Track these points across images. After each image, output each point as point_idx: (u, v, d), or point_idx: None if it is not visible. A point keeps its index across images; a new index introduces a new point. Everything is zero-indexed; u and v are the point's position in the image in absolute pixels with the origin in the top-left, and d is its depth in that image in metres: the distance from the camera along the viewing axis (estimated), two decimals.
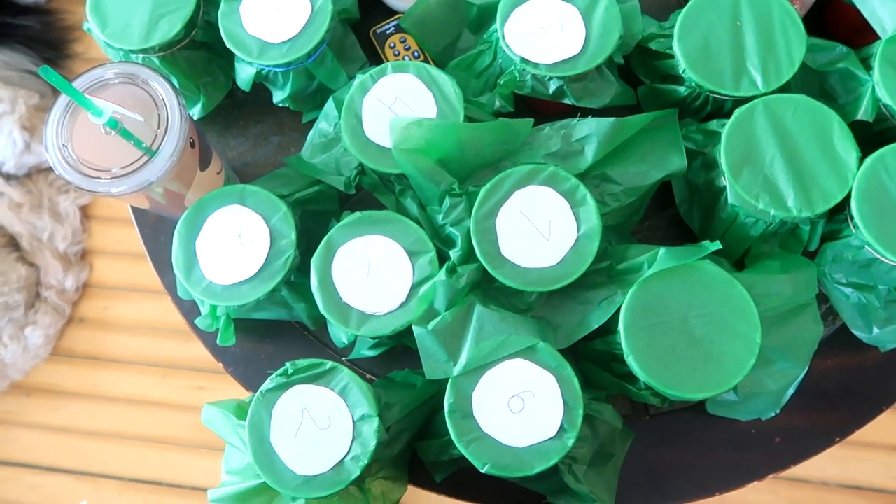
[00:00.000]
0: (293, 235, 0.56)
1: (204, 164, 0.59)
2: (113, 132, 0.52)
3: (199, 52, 0.65)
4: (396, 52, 0.69)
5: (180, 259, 0.56)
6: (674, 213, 0.64)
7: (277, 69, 0.62)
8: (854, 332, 0.59)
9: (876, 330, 0.58)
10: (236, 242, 0.56)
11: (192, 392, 1.22)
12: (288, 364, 0.54)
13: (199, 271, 0.56)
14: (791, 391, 0.57)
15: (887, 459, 1.06)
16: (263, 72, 0.63)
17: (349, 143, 0.58)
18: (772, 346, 0.53)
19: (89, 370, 1.27)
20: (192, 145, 0.56)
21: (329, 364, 0.53)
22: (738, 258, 0.59)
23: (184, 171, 0.57)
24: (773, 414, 0.58)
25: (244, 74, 0.64)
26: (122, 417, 1.24)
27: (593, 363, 0.58)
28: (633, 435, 0.59)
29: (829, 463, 1.06)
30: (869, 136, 0.57)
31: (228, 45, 0.61)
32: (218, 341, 0.61)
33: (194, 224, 0.57)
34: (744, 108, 0.55)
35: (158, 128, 0.53)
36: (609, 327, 0.54)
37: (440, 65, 0.68)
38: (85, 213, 1.32)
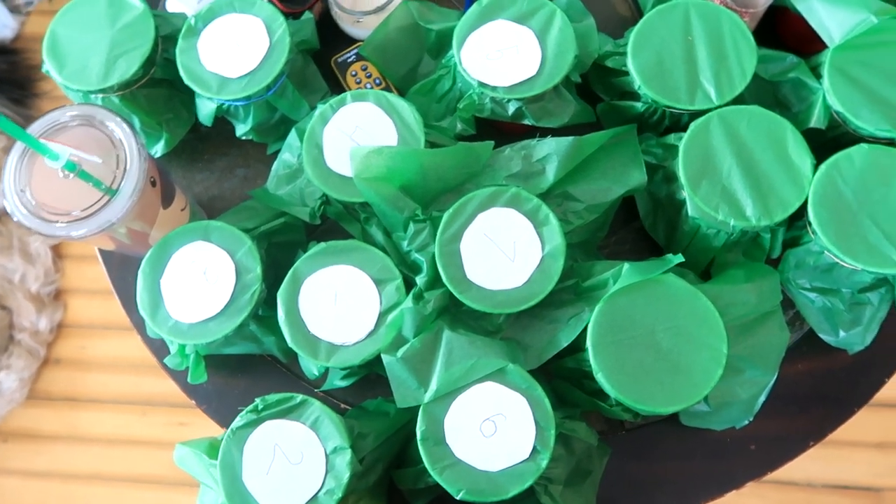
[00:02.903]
0: (258, 269, 0.56)
1: (167, 201, 0.59)
2: (71, 175, 0.52)
3: (159, 89, 0.65)
4: (358, 80, 0.70)
5: (145, 299, 0.56)
6: (640, 226, 0.64)
7: (238, 103, 0.62)
8: (821, 336, 0.60)
9: (842, 333, 0.58)
10: (201, 279, 0.56)
11: (172, 428, 1.21)
12: (258, 400, 0.53)
13: (164, 310, 0.56)
14: (762, 398, 0.58)
15: (871, 457, 1.07)
16: (224, 106, 0.63)
17: (311, 174, 0.58)
18: (740, 355, 0.54)
19: (68, 412, 1.25)
20: (154, 183, 0.56)
21: (299, 398, 0.53)
22: (704, 268, 0.60)
23: (146, 210, 0.56)
24: (746, 422, 0.59)
25: (205, 109, 0.64)
26: (103, 458, 1.22)
27: (565, 381, 0.58)
28: (609, 450, 0.59)
29: (814, 464, 1.07)
30: (823, 143, 0.58)
31: (187, 82, 0.61)
32: (189, 379, 0.60)
33: (158, 263, 0.57)
34: (699, 121, 0.56)
35: (117, 168, 0.53)
36: (578, 344, 0.54)
37: (402, 91, 0.68)
38: (57, 252, 1.31)
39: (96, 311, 1.26)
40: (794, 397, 0.61)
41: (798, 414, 0.61)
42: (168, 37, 0.64)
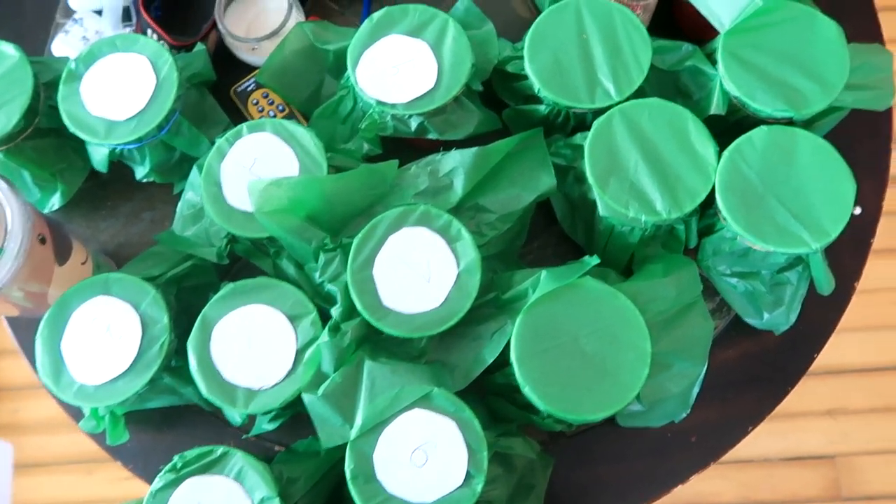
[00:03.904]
0: (166, 319, 0.53)
1: (62, 257, 0.56)
2: None
3: (47, 139, 0.61)
4: (260, 109, 0.67)
5: (46, 364, 0.53)
6: (560, 228, 0.63)
7: (130, 146, 0.59)
8: (746, 319, 0.60)
9: (766, 315, 0.58)
10: (105, 336, 0.53)
11: (120, 484, 1.16)
12: (176, 458, 0.51)
13: (68, 374, 0.52)
14: (696, 389, 0.57)
15: (823, 425, 1.09)
16: (117, 150, 0.60)
17: (212, 213, 0.55)
18: (666, 351, 0.53)
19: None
20: (43, 241, 0.53)
21: (220, 450, 0.50)
22: (625, 265, 0.59)
23: (39, 270, 0.53)
24: (684, 415, 0.58)
25: (98, 156, 0.61)
26: None
27: (498, 396, 0.56)
28: (552, 460, 0.58)
29: (768, 439, 1.08)
30: (727, 128, 0.58)
31: (72, 130, 0.58)
32: (107, 441, 0.57)
33: (57, 324, 0.53)
34: (601, 119, 0.55)
35: None
36: (505, 359, 0.53)
37: (307, 114, 0.66)
38: None
39: (29, 371, 1.20)
40: (729, 383, 0.61)
41: (735, 399, 0.61)
42: (51, 83, 0.61)
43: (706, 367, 0.57)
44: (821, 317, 0.62)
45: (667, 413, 0.58)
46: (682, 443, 0.60)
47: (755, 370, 0.61)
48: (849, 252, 0.62)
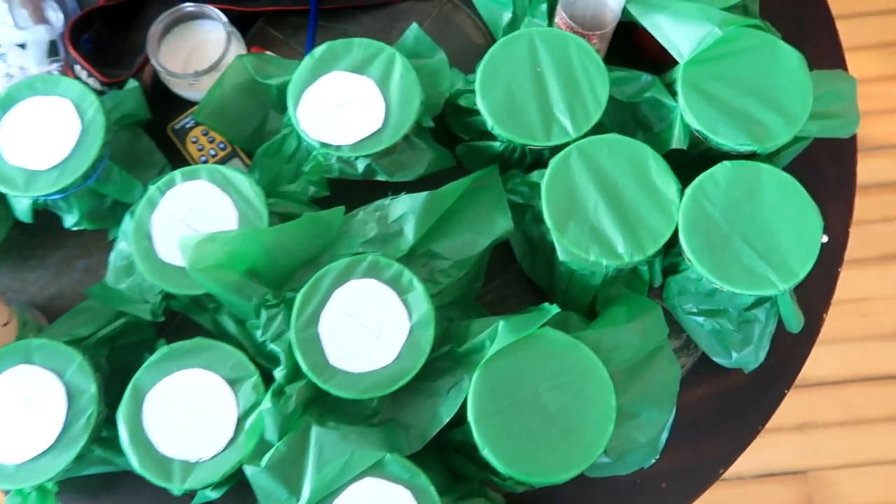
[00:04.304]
0: (93, 388, 0.49)
1: None
2: None
3: None
4: (200, 147, 0.63)
5: None
6: (520, 267, 0.61)
7: (53, 197, 0.55)
8: (715, 359, 0.57)
9: (735, 354, 0.56)
10: (26, 410, 0.48)
11: None
12: None
13: None
14: (665, 435, 0.54)
15: (794, 440, 1.08)
16: (41, 200, 0.55)
17: (144, 269, 0.51)
18: (632, 401, 0.51)
19: None
20: None
21: None
22: (587, 307, 0.57)
23: None
24: (653, 461, 0.55)
25: (20, 206, 0.56)
26: None
27: (457, 452, 0.53)
28: None
29: (741, 456, 1.06)
30: (691, 159, 0.56)
31: None
32: None
33: None
34: (558, 157, 0.52)
35: None
36: (463, 415, 0.50)
37: (250, 153, 0.63)
38: None
39: None
40: (699, 425, 0.59)
41: (706, 441, 0.59)
42: None
43: (674, 411, 0.54)
44: (790, 351, 0.60)
45: (635, 461, 0.55)
46: (653, 489, 0.58)
47: (725, 409, 0.59)
48: (816, 282, 0.60)
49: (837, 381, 1.09)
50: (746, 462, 1.06)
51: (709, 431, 0.59)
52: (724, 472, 0.58)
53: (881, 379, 1.09)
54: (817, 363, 1.07)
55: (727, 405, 0.59)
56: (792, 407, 1.08)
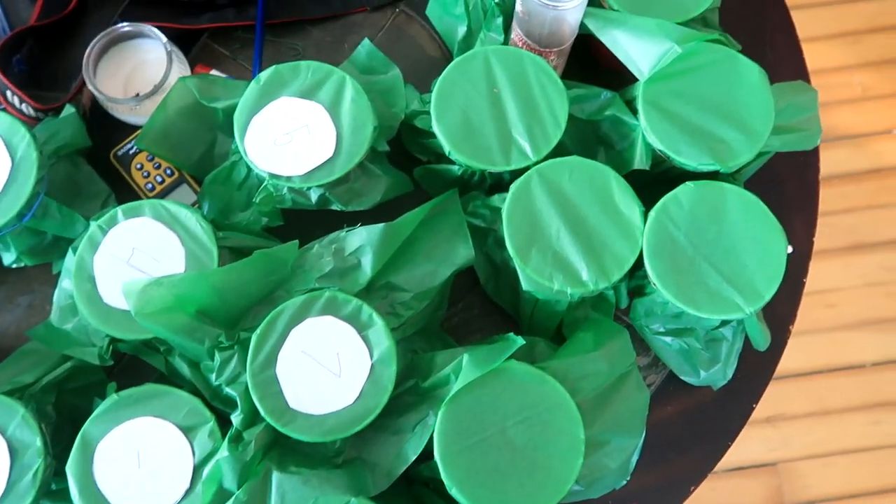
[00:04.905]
0: (38, 442, 0.47)
1: None
2: None
3: None
4: (146, 174, 0.60)
5: None
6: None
7: None
8: (683, 378, 0.57)
9: (703, 373, 0.56)
10: None
11: None
12: None
13: None
14: (635, 458, 0.54)
15: (763, 433, 1.09)
16: None
17: (87, 313, 0.49)
18: (602, 429, 0.50)
19: None
20: None
21: None
22: (555, 330, 0.56)
23: None
24: (624, 482, 0.55)
25: None
26: None
27: (426, 486, 0.52)
28: None
29: None
30: (652, 178, 0.55)
31: None
32: None
33: None
34: (518, 183, 0.51)
35: None
36: (430, 451, 0.49)
37: (199, 178, 0.60)
38: None
39: None
40: (669, 443, 0.58)
41: (676, 459, 0.58)
42: None
43: (643, 437, 0.53)
44: (757, 365, 0.59)
45: (606, 485, 0.54)
46: None
47: (694, 426, 0.59)
48: (782, 294, 0.60)
49: (805, 373, 1.11)
50: None
51: (679, 449, 0.58)
52: (695, 490, 0.58)
53: (848, 369, 1.10)
54: (785, 356, 1.08)
55: (696, 422, 0.59)
56: (761, 399, 1.09)
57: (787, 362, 1.11)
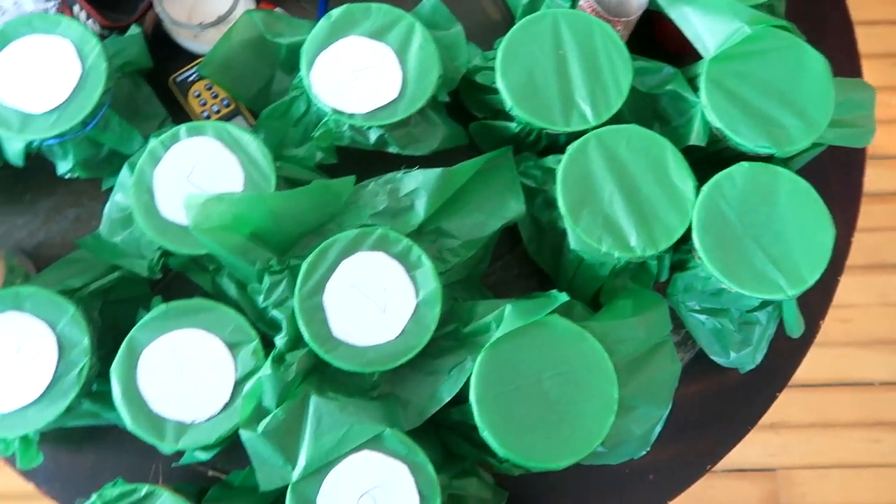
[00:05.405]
0: (86, 341, 0.48)
1: None
2: None
3: None
4: (203, 102, 0.61)
5: None
6: (526, 249, 0.60)
7: (49, 142, 0.52)
8: (712, 357, 0.58)
9: (733, 354, 0.56)
10: (15, 358, 0.47)
11: None
12: (94, 496, 0.46)
13: None
14: (658, 429, 0.55)
15: (765, 438, 1.10)
16: (34, 144, 0.53)
17: (144, 224, 0.50)
18: (632, 393, 0.51)
19: None
20: None
21: (145, 489, 0.46)
22: (592, 296, 0.56)
23: None
24: (643, 453, 0.56)
25: (12, 148, 0.54)
26: None
27: (453, 431, 0.53)
28: (506, 493, 0.55)
29: None
30: (707, 156, 0.55)
31: None
32: (18, 465, 0.51)
33: None
34: (576, 144, 0.51)
35: None
36: (463, 395, 0.50)
37: (254, 112, 0.61)
38: None
39: None
40: (689, 421, 0.59)
41: (695, 439, 0.59)
42: None
43: (670, 408, 0.54)
44: (784, 356, 0.60)
45: (627, 452, 0.55)
46: (640, 480, 0.58)
47: (716, 409, 0.60)
48: (816, 289, 0.61)
49: (813, 384, 1.11)
50: None
51: (698, 428, 0.59)
52: (711, 468, 0.59)
53: (855, 385, 1.11)
54: (790, 380, 1.09)
55: (718, 405, 0.60)
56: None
57: (795, 371, 1.12)
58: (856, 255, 1.17)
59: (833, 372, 1.12)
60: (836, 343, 1.12)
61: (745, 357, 0.56)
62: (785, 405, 1.11)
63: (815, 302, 0.61)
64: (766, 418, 1.09)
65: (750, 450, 1.09)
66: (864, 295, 1.14)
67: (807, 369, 1.10)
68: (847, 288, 1.13)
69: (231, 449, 0.56)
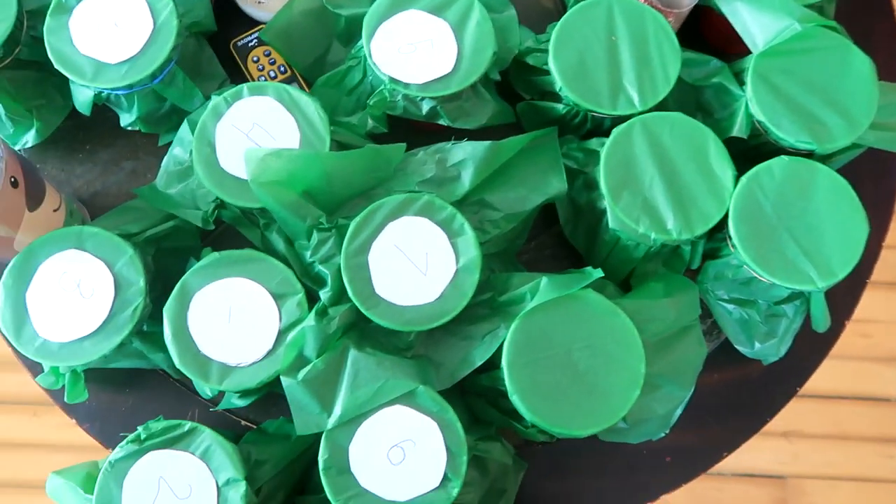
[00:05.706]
0: (142, 282, 0.50)
1: (34, 202, 0.52)
2: None
3: (26, 71, 0.57)
4: (260, 67, 0.64)
5: (7, 315, 0.49)
6: (560, 230, 0.61)
7: (119, 92, 0.55)
8: (737, 347, 0.59)
9: (758, 345, 0.58)
10: (75, 293, 0.50)
11: (67, 430, 1.12)
12: (140, 428, 0.48)
13: (30, 328, 0.49)
14: (679, 411, 0.56)
15: (777, 445, 1.11)
16: (103, 94, 0.56)
17: (203, 175, 0.52)
18: (657, 372, 0.52)
19: None
20: (15, 184, 0.49)
21: (188, 425, 0.48)
22: (624, 278, 0.58)
23: (8, 214, 0.50)
24: (662, 434, 0.57)
25: (81, 97, 0.56)
26: None
27: (480, 397, 0.55)
28: (525, 465, 0.57)
29: None
30: (745, 150, 0.57)
31: (57, 66, 0.53)
32: (66, 399, 0.54)
33: (23, 273, 0.50)
34: (621, 128, 0.53)
35: None
36: (493, 362, 0.51)
37: (309, 80, 0.63)
38: None
39: None
40: (708, 408, 0.60)
41: (714, 425, 0.61)
42: (36, 12, 0.56)
43: (692, 391, 0.56)
44: (808, 351, 0.61)
45: (647, 432, 0.56)
46: (657, 462, 0.60)
47: (737, 398, 0.61)
48: (844, 288, 0.62)
49: (829, 396, 1.12)
50: (728, 459, 1.09)
51: (718, 416, 0.61)
52: (727, 456, 0.60)
53: (872, 400, 1.11)
54: (812, 375, 1.10)
55: (739, 394, 0.61)
56: (780, 413, 1.11)
57: (812, 382, 1.12)
58: (880, 271, 1.17)
59: (850, 385, 1.12)
60: (855, 357, 1.13)
61: (769, 348, 0.58)
62: (800, 414, 1.12)
63: (842, 302, 0.62)
64: (780, 426, 1.10)
65: (761, 456, 1.10)
66: (886, 312, 1.14)
67: (824, 380, 1.11)
68: (870, 303, 1.14)
69: (263, 403, 0.58)
